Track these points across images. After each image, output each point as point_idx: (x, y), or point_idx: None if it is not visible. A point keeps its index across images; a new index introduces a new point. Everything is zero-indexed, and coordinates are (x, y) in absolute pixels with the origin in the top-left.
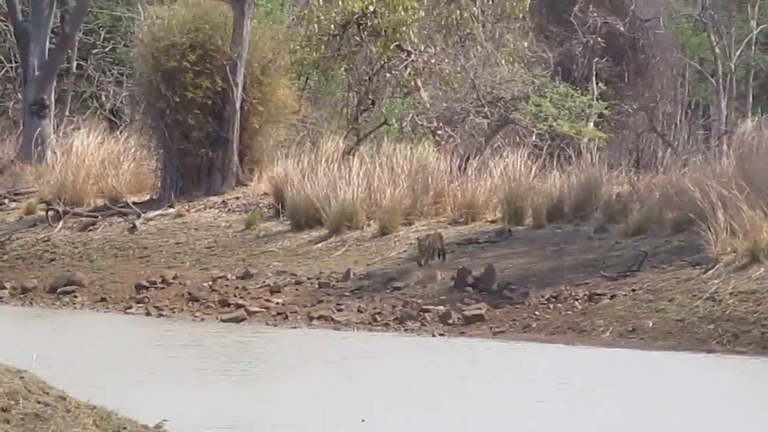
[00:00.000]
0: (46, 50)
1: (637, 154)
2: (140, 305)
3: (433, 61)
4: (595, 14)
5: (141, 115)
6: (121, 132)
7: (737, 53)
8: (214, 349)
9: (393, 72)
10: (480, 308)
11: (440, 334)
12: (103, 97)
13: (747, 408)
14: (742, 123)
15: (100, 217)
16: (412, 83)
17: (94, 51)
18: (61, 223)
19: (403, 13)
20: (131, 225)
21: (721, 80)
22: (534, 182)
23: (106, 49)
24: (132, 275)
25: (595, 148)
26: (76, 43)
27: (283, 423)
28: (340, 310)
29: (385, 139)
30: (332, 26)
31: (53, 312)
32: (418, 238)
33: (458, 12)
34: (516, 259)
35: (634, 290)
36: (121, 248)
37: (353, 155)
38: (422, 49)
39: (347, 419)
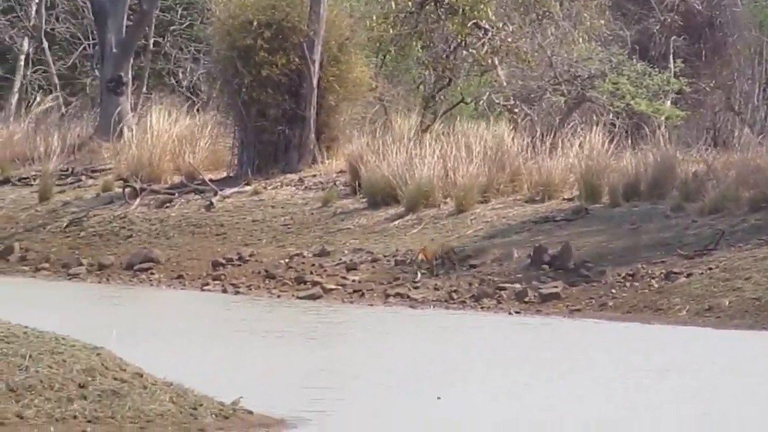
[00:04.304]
0: (124, 27)
1: (714, 133)
2: (217, 282)
3: (510, 39)
4: None
5: (218, 92)
6: (197, 109)
7: None
8: (292, 327)
9: (470, 50)
10: (556, 286)
11: (516, 312)
12: (180, 75)
13: None
14: None
15: (176, 195)
16: (489, 61)
17: (171, 28)
18: (137, 200)
19: None
20: (208, 202)
21: None
22: (610, 160)
23: (183, 26)
24: (208, 252)
25: (672, 127)
26: (154, 20)
27: (359, 402)
28: (416, 288)
29: (461, 117)
30: (409, 3)
31: (130, 289)
32: (413, 259)
33: None
34: (592, 238)
35: (710, 269)
36: (197, 225)
37: (429, 133)
38: (499, 27)
39: (423, 396)
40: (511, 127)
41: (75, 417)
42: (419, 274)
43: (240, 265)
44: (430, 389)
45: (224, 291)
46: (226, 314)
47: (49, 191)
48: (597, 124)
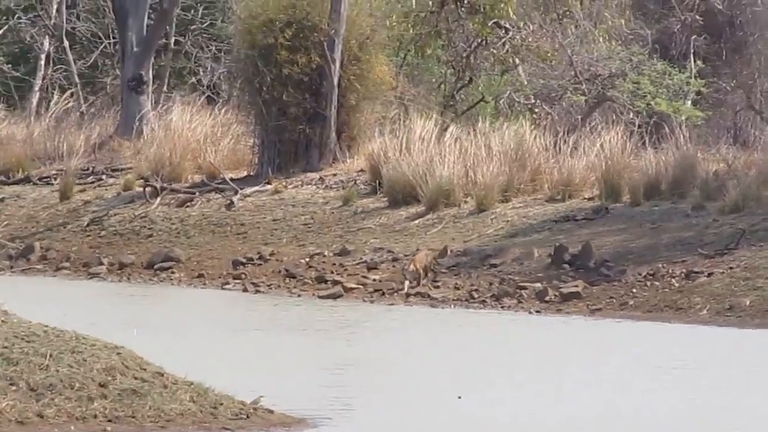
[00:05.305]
0: (145, 26)
1: (734, 132)
2: (237, 281)
3: (530, 38)
4: None
5: (239, 91)
6: (218, 108)
7: None
8: (312, 326)
9: (490, 49)
10: (577, 285)
11: (537, 312)
12: (201, 74)
13: None
14: None
15: (197, 194)
16: (510, 60)
17: (192, 27)
18: (158, 199)
19: None
20: (228, 201)
21: None
22: (631, 160)
23: (204, 25)
24: (229, 251)
25: (693, 126)
26: (174, 19)
27: (380, 400)
28: (436, 287)
29: (482, 117)
30: (430, 2)
31: (151, 288)
32: (402, 268)
33: None
34: (613, 237)
35: (731, 268)
36: (218, 224)
37: (450, 132)
38: (520, 26)
39: (444, 396)
40: (532, 126)
41: (95, 416)
42: (406, 283)
43: (260, 264)
44: (451, 388)
45: (245, 290)
46: (246, 313)
47: (70, 190)
48: (617, 124)
